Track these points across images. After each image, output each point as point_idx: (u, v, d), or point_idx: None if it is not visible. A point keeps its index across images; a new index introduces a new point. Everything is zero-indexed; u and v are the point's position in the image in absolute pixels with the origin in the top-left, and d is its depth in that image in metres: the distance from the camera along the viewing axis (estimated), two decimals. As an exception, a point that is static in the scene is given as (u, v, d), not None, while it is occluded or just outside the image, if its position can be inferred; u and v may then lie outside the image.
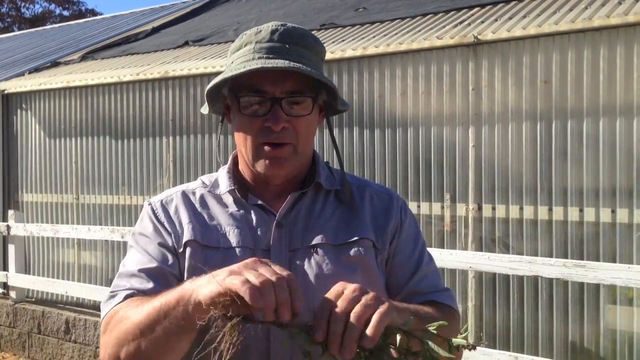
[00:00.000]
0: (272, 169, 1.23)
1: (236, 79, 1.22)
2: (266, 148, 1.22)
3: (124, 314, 1.11)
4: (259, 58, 1.19)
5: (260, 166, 1.23)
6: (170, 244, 1.24)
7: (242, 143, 1.25)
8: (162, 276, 1.19)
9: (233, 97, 1.25)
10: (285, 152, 1.22)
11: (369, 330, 0.95)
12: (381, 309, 0.98)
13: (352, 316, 0.96)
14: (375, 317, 0.96)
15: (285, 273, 0.97)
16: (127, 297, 1.16)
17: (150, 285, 1.17)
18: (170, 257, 1.23)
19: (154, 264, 1.20)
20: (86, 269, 6.14)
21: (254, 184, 1.31)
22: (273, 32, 1.23)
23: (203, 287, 0.98)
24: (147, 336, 1.05)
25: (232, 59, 1.26)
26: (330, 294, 1.01)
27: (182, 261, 1.23)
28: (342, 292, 1.00)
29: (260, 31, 1.24)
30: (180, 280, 1.19)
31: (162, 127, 5.67)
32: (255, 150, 1.23)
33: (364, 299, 0.98)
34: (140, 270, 1.19)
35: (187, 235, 1.24)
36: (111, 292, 1.20)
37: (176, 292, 1.03)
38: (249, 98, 1.21)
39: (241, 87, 1.22)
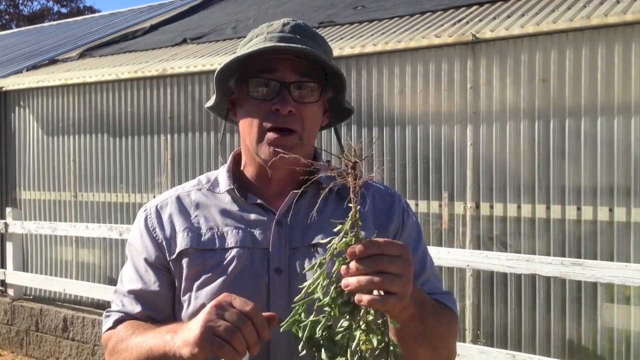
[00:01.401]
0: (275, 157, 1.21)
1: (246, 65, 1.24)
2: (271, 135, 1.22)
3: (119, 347, 1.23)
4: (271, 43, 1.22)
5: (264, 153, 1.23)
6: (155, 257, 1.27)
7: (247, 130, 1.25)
8: (146, 299, 1.28)
9: (241, 83, 1.26)
10: (290, 141, 1.21)
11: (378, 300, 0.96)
12: (401, 296, 0.97)
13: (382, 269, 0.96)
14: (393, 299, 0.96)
15: (248, 308, 1.04)
16: (116, 321, 1.27)
17: (138, 308, 1.27)
18: (153, 276, 1.27)
19: (139, 286, 1.28)
20: (84, 266, 6.14)
21: (255, 181, 1.30)
22: (285, 24, 1.27)
23: (183, 348, 1.07)
24: None
25: (243, 51, 1.27)
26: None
27: (176, 270, 1.25)
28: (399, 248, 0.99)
29: (272, 24, 1.27)
30: (170, 288, 1.27)
31: (160, 124, 5.67)
32: (259, 134, 1.23)
33: (405, 275, 0.98)
34: (129, 292, 1.29)
35: (181, 244, 1.25)
36: (107, 311, 1.32)
37: (161, 342, 1.13)
38: (258, 80, 1.23)
39: (251, 71, 1.24)
